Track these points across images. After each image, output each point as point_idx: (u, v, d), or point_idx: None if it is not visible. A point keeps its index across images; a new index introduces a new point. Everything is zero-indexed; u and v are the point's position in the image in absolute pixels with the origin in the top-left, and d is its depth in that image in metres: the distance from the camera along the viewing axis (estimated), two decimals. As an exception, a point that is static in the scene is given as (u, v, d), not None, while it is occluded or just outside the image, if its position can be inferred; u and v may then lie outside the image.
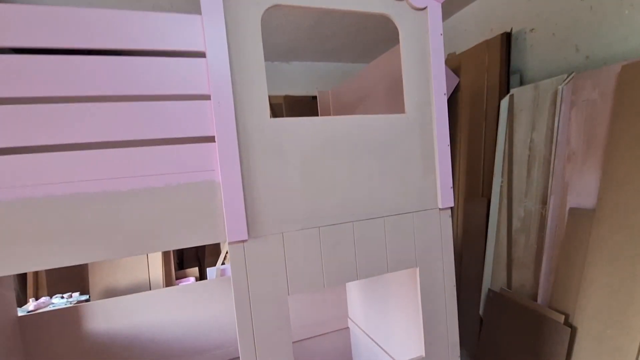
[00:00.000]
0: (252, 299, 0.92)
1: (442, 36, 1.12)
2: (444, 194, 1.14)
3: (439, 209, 1.15)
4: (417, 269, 1.14)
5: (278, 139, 0.96)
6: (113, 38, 0.81)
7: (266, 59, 3.36)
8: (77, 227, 0.80)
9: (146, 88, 0.83)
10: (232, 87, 0.89)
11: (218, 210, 0.90)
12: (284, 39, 2.88)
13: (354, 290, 1.90)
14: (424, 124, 1.12)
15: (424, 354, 1.15)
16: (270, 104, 3.29)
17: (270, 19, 2.50)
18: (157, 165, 0.84)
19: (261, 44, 0.93)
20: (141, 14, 0.81)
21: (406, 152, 1.10)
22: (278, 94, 3.32)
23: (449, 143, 1.14)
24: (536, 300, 1.72)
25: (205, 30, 0.86)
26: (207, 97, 0.88)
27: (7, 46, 0.75)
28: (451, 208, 1.17)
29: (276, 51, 3.18)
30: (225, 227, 0.89)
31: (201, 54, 0.88)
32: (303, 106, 3.31)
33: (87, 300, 2.07)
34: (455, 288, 1.19)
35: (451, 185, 1.15)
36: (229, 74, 0.88)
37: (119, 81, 0.82)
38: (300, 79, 3.52)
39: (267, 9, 0.94)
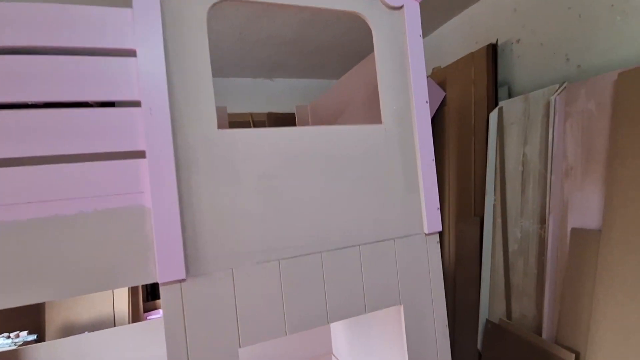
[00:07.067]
0: (191, 354, 0.73)
1: (421, 37, 0.99)
2: (430, 217, 0.98)
3: (425, 234, 0.99)
4: (401, 307, 0.96)
5: (229, 155, 0.80)
6: (23, 34, 0.66)
7: (248, 75, 3.26)
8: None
9: (55, 92, 0.67)
10: (169, 93, 0.74)
11: (148, 243, 0.72)
12: (265, 54, 2.79)
13: (338, 325, 1.69)
14: (404, 135, 0.97)
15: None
16: (253, 122, 3.16)
17: (250, 33, 2.40)
18: (67, 188, 0.67)
19: (207, 43, 0.79)
20: (59, 6, 0.66)
21: (384, 168, 0.95)
22: (261, 112, 3.20)
23: (433, 157, 0.99)
24: (540, 334, 1.54)
25: (136, 26, 0.72)
26: (136, 104, 0.72)
27: None
28: (440, 232, 1.01)
29: (259, 67, 3.08)
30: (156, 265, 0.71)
31: (130, 53, 0.73)
32: (287, 124, 3.18)
33: (36, 341, 1.83)
34: (447, 328, 1.01)
35: (438, 206, 1.00)
36: (165, 77, 0.73)
37: (22, 83, 0.66)
38: (284, 96, 3.41)
39: (213, 4, 0.80)
